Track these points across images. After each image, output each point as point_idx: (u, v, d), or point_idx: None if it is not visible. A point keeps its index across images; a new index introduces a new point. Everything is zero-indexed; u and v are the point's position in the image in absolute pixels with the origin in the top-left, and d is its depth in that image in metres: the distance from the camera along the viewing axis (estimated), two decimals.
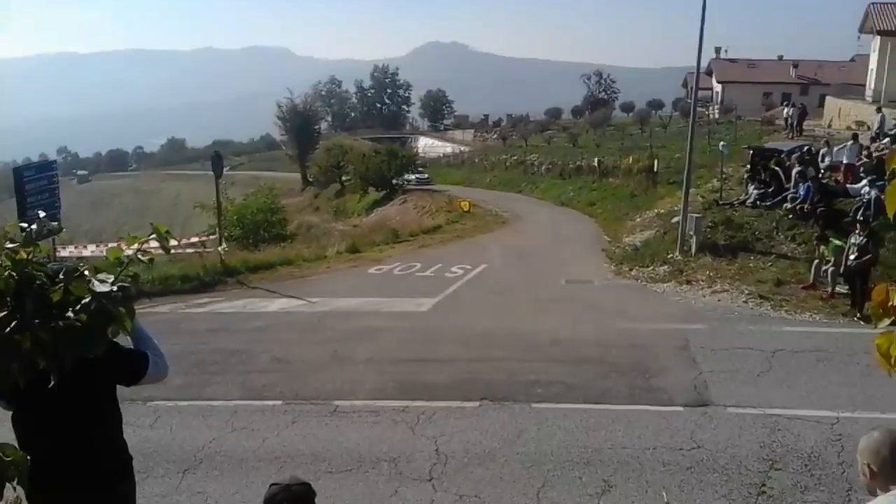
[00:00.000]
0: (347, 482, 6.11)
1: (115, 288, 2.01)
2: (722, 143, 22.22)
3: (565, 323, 11.72)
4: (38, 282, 1.97)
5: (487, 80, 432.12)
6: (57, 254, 18.56)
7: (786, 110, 32.96)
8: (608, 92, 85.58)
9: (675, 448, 6.62)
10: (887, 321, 2.01)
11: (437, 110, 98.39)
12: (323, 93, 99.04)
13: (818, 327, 11.18)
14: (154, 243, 2.31)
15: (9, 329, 1.87)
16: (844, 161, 18.78)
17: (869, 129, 24.45)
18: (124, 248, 2.21)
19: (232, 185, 34.68)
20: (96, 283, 2.00)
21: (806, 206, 16.18)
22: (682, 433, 6.96)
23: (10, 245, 2.00)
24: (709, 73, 58.15)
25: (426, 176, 47.01)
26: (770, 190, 18.17)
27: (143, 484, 4.73)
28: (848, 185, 17.28)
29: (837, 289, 12.68)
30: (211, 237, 23.21)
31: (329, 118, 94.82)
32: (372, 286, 15.84)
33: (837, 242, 12.77)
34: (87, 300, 1.95)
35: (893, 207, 1.81)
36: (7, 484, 1.88)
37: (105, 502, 3.17)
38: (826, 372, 8.84)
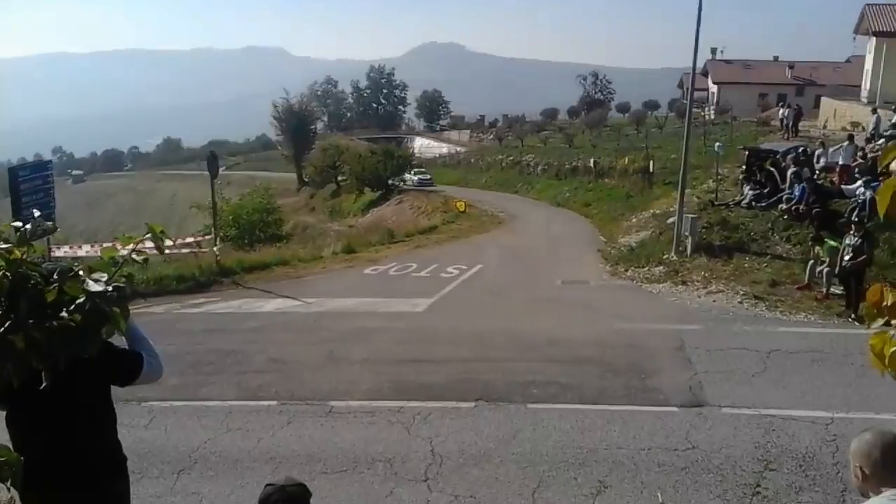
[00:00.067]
0: (343, 483, 6.10)
1: (109, 288, 2.00)
2: (718, 143, 22.30)
3: (561, 323, 11.72)
4: (32, 282, 1.97)
5: (484, 80, 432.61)
6: (52, 254, 18.50)
7: (781, 111, 33.07)
8: (604, 92, 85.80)
9: (671, 448, 6.63)
10: (881, 321, 2.01)
11: (434, 110, 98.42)
12: (319, 93, 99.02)
13: (813, 328, 11.20)
14: (149, 243, 2.30)
15: (3, 329, 1.87)
16: (840, 162, 18.86)
17: (864, 130, 24.55)
18: (119, 248, 2.20)
19: (228, 186, 34.60)
20: (91, 283, 1.99)
21: (801, 207, 16.22)
22: (677, 433, 6.97)
23: (4, 245, 1.99)
24: (705, 73, 58.26)
25: (428, 177, 45.91)
26: (765, 191, 18.22)
27: (137, 484, 4.72)
28: (843, 186, 17.34)
29: (832, 289, 12.71)
30: (206, 237, 23.17)
31: (325, 118, 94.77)
32: (368, 286, 15.83)
33: (832, 243, 12.79)
34: (82, 300, 1.95)
35: (885, 207, 1.82)
36: (1, 485, 1.88)
37: (99, 502, 3.16)
38: (821, 372, 8.86)
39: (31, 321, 1.88)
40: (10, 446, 2.78)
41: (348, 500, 5.84)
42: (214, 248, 18.20)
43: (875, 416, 7.18)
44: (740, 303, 12.80)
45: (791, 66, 60.94)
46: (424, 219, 32.95)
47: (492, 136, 64.36)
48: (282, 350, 10.35)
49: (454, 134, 77.18)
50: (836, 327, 11.20)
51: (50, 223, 2.46)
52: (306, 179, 58.34)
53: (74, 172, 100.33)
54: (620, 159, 31.60)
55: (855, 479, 2.49)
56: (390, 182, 43.02)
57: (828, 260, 12.80)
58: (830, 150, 20.13)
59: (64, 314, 1.92)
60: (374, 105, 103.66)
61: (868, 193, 14.85)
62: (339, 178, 50.34)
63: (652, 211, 22.67)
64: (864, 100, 33.55)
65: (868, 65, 35.88)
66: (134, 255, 2.18)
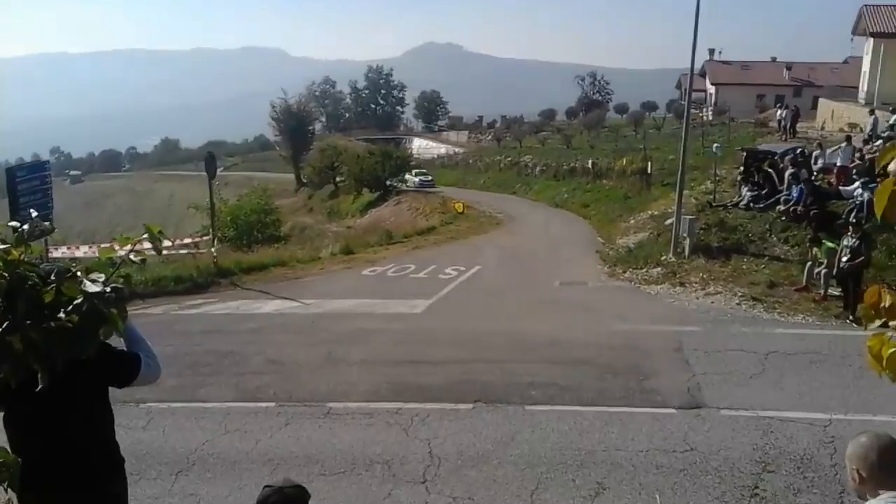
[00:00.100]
0: (341, 484, 6.10)
1: (107, 289, 2.00)
2: (716, 145, 22.31)
3: (559, 325, 11.72)
4: (30, 282, 1.96)
5: (482, 81, 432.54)
6: (49, 254, 18.45)
7: (779, 112, 33.12)
8: (602, 93, 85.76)
9: (669, 450, 6.63)
10: (879, 323, 2.01)
11: (432, 111, 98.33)
12: (317, 93, 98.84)
13: (811, 329, 11.21)
14: (147, 244, 2.30)
15: (0, 330, 1.86)
16: (837, 163, 18.88)
17: (862, 131, 24.59)
18: (117, 248, 2.20)
19: (226, 186, 34.55)
20: (88, 283, 1.99)
21: (799, 209, 16.24)
22: (675, 435, 6.97)
23: (2, 245, 1.99)
24: (702, 74, 58.36)
25: (430, 178, 45.19)
26: (763, 192, 18.24)
27: (135, 486, 4.71)
28: (841, 188, 17.36)
29: (830, 291, 12.72)
30: (204, 238, 23.15)
31: (323, 119, 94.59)
32: (366, 288, 15.83)
33: (830, 244, 12.80)
34: (79, 301, 1.94)
35: (882, 208, 1.82)
36: None
37: (96, 503, 3.15)
38: (819, 374, 8.87)
39: (28, 322, 1.88)
40: (8, 447, 2.78)
41: (346, 501, 5.84)
42: (212, 249, 18.20)
43: (873, 417, 7.19)
44: (738, 304, 12.81)
45: (789, 67, 61.10)
46: (423, 220, 32.94)
47: (490, 137, 64.30)
48: (280, 351, 10.34)
49: (452, 135, 77.10)
50: (834, 329, 11.20)
51: (47, 224, 2.46)
52: (304, 180, 58.26)
53: (72, 173, 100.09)
54: (618, 160, 31.60)
55: (852, 481, 2.49)
56: (388, 183, 42.98)
57: (825, 261, 12.80)
58: (828, 151, 20.17)
59: (61, 315, 1.92)
60: (373, 106, 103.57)
61: (866, 195, 14.88)
62: (338, 178, 50.25)
63: (650, 212, 22.68)
64: (862, 101, 33.62)
65: (865, 66, 35.96)
66: (132, 256, 2.18)
